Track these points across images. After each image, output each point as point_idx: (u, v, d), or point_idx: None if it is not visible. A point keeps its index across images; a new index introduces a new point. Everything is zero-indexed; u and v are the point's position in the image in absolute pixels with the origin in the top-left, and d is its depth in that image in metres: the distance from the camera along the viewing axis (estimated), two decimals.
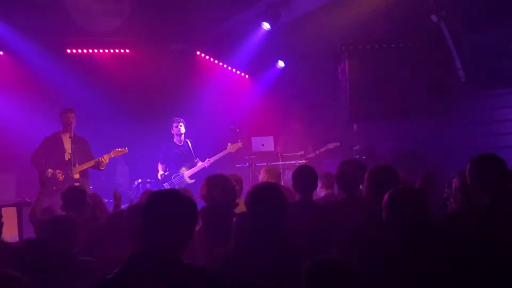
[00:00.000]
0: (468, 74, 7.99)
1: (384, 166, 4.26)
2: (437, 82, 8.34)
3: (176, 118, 9.28)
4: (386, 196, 3.25)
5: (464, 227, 3.71)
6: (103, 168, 8.14)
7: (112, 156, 8.41)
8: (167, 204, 2.64)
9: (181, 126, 9.23)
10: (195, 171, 9.10)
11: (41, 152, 7.83)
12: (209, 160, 9.08)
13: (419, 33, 8.40)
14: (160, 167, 9.35)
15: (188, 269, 2.57)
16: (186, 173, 9.12)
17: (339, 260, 2.76)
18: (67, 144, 7.73)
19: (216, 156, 9.13)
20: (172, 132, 9.28)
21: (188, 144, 9.30)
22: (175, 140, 9.30)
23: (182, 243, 2.62)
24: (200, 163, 9.13)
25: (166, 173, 9.22)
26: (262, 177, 6.67)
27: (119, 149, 8.52)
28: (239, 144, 9.11)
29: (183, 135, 9.26)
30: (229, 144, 9.15)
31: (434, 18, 7.89)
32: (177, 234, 2.59)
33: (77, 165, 7.78)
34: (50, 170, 7.68)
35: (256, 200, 3.05)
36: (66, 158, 7.72)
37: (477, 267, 3.24)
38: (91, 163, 7.92)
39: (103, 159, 7.96)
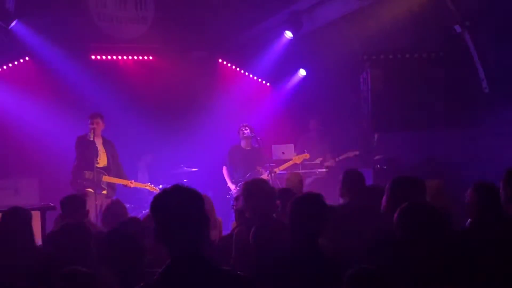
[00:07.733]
0: (492, 85, 7.93)
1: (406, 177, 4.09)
2: (460, 93, 8.28)
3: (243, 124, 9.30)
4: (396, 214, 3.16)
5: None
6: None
7: (142, 187, 8.54)
8: (175, 200, 2.48)
9: (246, 130, 9.19)
10: None
11: (78, 163, 7.99)
12: (274, 172, 8.79)
13: (442, 43, 8.34)
14: (224, 170, 9.36)
15: (226, 275, 2.54)
16: None
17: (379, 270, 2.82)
18: (100, 146, 8.02)
19: (283, 165, 9.22)
20: (239, 137, 9.32)
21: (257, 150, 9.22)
22: (241, 144, 9.36)
23: (202, 237, 2.50)
24: (264, 173, 8.93)
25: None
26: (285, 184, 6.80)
27: (153, 186, 8.61)
28: (305, 155, 9.34)
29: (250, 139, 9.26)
30: (295, 154, 9.34)
31: (458, 28, 7.84)
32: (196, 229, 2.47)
33: (111, 173, 8.04)
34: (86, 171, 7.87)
35: (300, 209, 3.07)
36: (98, 161, 7.92)
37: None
38: (122, 181, 8.15)
39: (130, 184, 8.19)
